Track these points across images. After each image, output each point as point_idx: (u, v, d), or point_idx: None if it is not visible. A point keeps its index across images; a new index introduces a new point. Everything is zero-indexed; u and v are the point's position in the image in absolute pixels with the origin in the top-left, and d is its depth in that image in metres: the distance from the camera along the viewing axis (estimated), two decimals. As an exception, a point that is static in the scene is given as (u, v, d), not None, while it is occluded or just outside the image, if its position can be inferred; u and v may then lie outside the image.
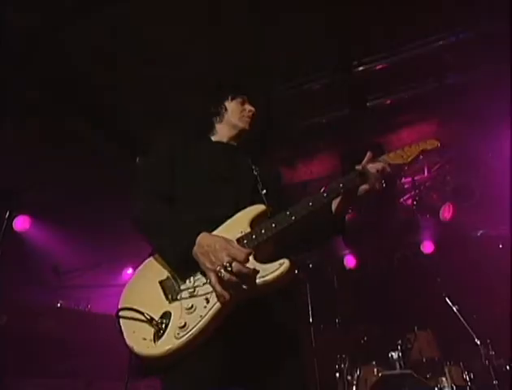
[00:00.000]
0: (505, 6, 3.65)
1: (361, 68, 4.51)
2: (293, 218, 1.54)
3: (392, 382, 4.04)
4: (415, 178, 5.79)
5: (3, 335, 3.60)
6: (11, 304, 3.92)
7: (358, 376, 4.40)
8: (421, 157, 1.70)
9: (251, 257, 1.43)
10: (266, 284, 1.38)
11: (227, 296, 1.36)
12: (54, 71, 4.18)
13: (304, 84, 4.67)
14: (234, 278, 1.36)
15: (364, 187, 1.66)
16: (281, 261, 1.40)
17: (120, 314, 1.44)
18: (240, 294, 1.38)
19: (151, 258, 1.60)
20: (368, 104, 4.80)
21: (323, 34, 4.08)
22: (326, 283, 6.20)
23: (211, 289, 1.40)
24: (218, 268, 1.37)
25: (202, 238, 1.47)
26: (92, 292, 4.63)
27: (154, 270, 1.55)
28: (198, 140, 1.97)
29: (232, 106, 2.01)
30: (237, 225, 1.56)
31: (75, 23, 3.72)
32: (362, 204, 1.71)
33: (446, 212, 5.48)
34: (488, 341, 4.12)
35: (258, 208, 1.62)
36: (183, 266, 1.49)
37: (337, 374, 4.68)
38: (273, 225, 1.52)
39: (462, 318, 4.24)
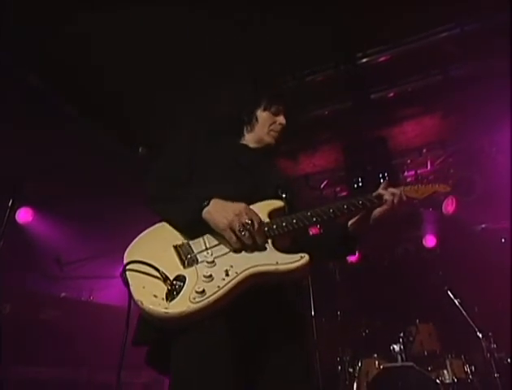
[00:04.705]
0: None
1: (364, 60, 4.48)
2: (314, 219, 1.56)
3: (394, 374, 4.03)
4: (418, 171, 5.76)
5: (6, 324, 3.62)
6: (14, 293, 3.95)
7: (360, 368, 4.40)
8: (434, 195, 1.80)
9: (271, 244, 1.47)
10: (287, 272, 1.40)
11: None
12: (54, 61, 4.17)
13: (307, 77, 4.65)
14: (250, 238, 1.40)
15: (381, 209, 1.69)
16: (302, 254, 1.43)
17: (129, 266, 1.36)
18: (257, 278, 1.39)
19: (163, 223, 1.56)
20: (371, 96, 4.77)
21: (325, 26, 4.05)
22: (328, 276, 6.21)
23: (231, 262, 1.40)
24: (237, 226, 1.40)
25: (215, 201, 1.49)
26: (94, 283, 4.66)
27: (167, 234, 1.51)
28: (223, 138, 1.93)
29: (263, 116, 1.92)
30: (257, 212, 1.54)
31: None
32: (374, 225, 1.72)
33: (449, 206, 5.44)
34: (490, 334, 4.12)
35: (277, 203, 1.64)
36: (194, 225, 1.47)
37: (339, 367, 4.70)
38: (294, 221, 1.54)
39: (463, 311, 4.24)
